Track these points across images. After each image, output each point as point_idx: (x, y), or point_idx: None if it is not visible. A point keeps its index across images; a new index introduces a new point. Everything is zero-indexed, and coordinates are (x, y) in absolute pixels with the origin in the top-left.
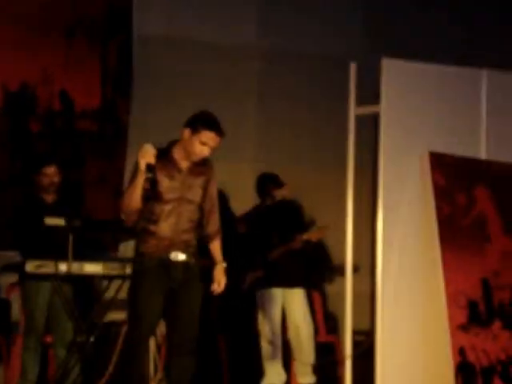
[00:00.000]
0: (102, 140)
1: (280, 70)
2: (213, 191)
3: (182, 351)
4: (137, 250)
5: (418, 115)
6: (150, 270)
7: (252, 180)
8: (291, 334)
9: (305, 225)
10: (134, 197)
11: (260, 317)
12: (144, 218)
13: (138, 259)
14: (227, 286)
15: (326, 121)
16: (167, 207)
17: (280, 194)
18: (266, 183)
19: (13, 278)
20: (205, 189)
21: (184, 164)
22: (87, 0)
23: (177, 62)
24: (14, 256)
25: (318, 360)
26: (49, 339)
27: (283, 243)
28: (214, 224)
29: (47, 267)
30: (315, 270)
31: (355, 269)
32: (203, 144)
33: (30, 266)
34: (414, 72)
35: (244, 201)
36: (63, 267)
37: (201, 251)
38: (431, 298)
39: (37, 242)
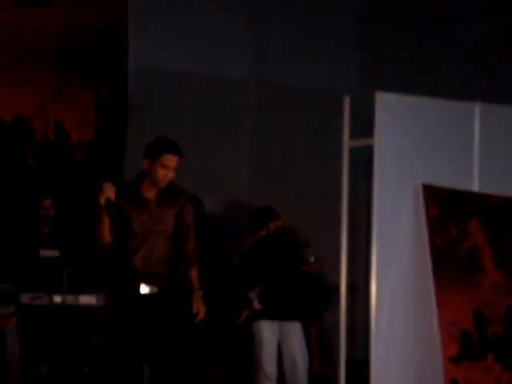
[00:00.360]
0: (96, 172)
1: (274, 104)
2: (187, 219)
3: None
4: (110, 282)
5: (412, 148)
6: (123, 304)
7: (246, 212)
8: (287, 367)
9: (301, 257)
10: (102, 234)
11: (256, 349)
12: (116, 251)
13: (112, 292)
14: (222, 319)
15: (321, 154)
16: (137, 240)
17: (274, 226)
18: (260, 217)
19: (5, 309)
20: (178, 218)
21: (152, 196)
22: (81, 33)
23: (172, 95)
24: (5, 288)
25: None
26: (44, 370)
27: (279, 275)
28: (189, 252)
29: (42, 299)
30: (312, 302)
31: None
32: (164, 168)
33: (25, 298)
34: (407, 105)
35: (239, 235)
36: (58, 299)
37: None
38: (425, 329)
39: (32, 274)
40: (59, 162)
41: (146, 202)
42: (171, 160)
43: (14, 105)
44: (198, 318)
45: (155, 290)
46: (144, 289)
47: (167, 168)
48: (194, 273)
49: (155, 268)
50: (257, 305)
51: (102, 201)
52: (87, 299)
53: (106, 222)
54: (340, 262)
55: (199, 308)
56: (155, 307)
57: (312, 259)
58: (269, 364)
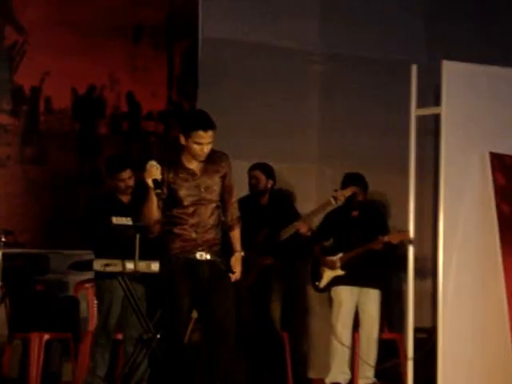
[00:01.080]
0: (168, 141)
1: (342, 72)
2: (229, 183)
3: (223, 350)
4: (164, 251)
5: (479, 116)
6: (176, 271)
7: (316, 181)
8: (363, 332)
9: (387, 227)
10: (151, 211)
11: (333, 313)
12: (169, 222)
13: (165, 261)
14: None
15: (388, 122)
16: (188, 210)
17: (343, 194)
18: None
19: (81, 276)
20: (222, 184)
21: (195, 166)
22: (152, 4)
23: (241, 64)
24: (81, 255)
25: (380, 360)
26: (119, 336)
27: (364, 243)
28: (232, 213)
29: (114, 266)
30: (390, 271)
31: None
32: (199, 144)
33: (98, 265)
34: (474, 74)
35: (308, 202)
36: (130, 266)
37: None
38: (492, 296)
39: (106, 241)
40: (131, 132)
41: (190, 172)
42: (204, 136)
43: (86, 75)
44: (233, 279)
45: (209, 256)
46: (200, 255)
47: (201, 144)
48: (236, 233)
49: (207, 236)
50: (338, 270)
51: (150, 181)
52: (159, 266)
53: (154, 201)
54: (407, 230)
55: (238, 269)
56: (210, 273)
57: (395, 231)
58: (344, 329)
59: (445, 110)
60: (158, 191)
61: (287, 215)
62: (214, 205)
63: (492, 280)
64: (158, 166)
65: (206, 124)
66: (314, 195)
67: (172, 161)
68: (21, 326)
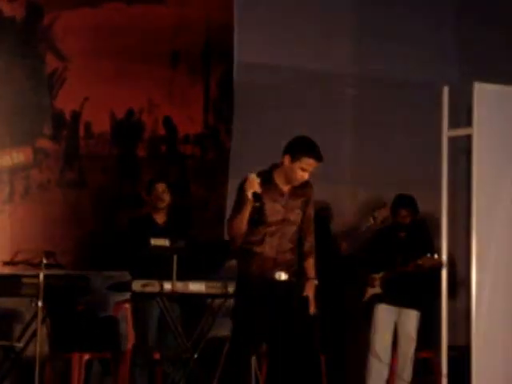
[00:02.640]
0: (204, 164)
1: (375, 94)
2: (310, 212)
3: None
4: (241, 270)
5: (510, 136)
6: (255, 290)
7: (349, 201)
8: (400, 351)
9: (431, 248)
10: (242, 223)
11: (372, 332)
12: (247, 240)
13: (244, 279)
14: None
15: (418, 143)
16: (271, 229)
17: (381, 214)
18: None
19: (120, 296)
20: (304, 210)
21: (285, 187)
22: (188, 30)
23: (276, 88)
24: (120, 276)
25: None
26: (157, 356)
27: (403, 265)
28: (309, 242)
29: (153, 286)
30: (430, 292)
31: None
32: (303, 170)
33: (137, 285)
34: (505, 95)
35: (342, 221)
36: (168, 286)
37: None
38: None
39: (144, 262)
40: (168, 155)
41: (281, 193)
42: (311, 164)
43: (125, 100)
44: (311, 309)
45: (287, 277)
46: (279, 275)
47: (305, 170)
48: (311, 261)
49: (287, 256)
50: (378, 289)
51: (250, 194)
52: (197, 286)
53: (247, 213)
54: (441, 250)
55: (311, 296)
56: (287, 294)
57: (428, 255)
58: (382, 346)
59: (476, 131)
60: (257, 204)
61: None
62: (294, 228)
63: None
64: (258, 179)
65: (318, 154)
66: (347, 215)
67: (263, 177)
68: (62, 346)
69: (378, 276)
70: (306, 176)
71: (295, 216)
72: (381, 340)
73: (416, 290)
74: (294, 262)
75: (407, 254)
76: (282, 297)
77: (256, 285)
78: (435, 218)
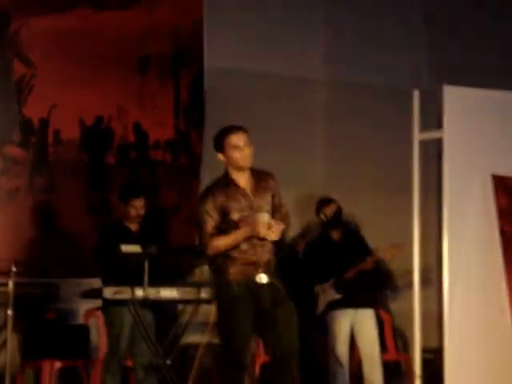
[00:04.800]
0: (175, 170)
1: (345, 100)
2: (279, 202)
3: (282, 366)
4: (221, 276)
5: (481, 140)
6: (238, 296)
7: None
8: (364, 354)
9: (368, 247)
10: (231, 246)
11: (333, 337)
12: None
13: (226, 286)
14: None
15: (390, 147)
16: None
17: (330, 209)
18: (318, 205)
19: (90, 304)
20: (272, 204)
21: (246, 186)
22: (158, 35)
23: (246, 93)
24: (92, 283)
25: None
26: (129, 363)
27: (354, 264)
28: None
29: (124, 293)
30: (380, 289)
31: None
32: (237, 148)
33: (108, 292)
34: (475, 98)
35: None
36: (140, 293)
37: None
38: (497, 317)
39: (116, 269)
40: (139, 162)
41: (243, 194)
42: (238, 138)
43: (94, 107)
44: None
45: (269, 279)
46: (260, 278)
47: (238, 147)
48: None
49: (265, 257)
50: (334, 295)
51: (263, 235)
52: (169, 292)
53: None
54: (412, 254)
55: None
56: (272, 295)
57: (388, 245)
58: (342, 351)
59: (447, 134)
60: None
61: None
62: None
63: (497, 301)
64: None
65: (235, 127)
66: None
67: (223, 182)
68: (32, 354)
69: (329, 284)
70: (245, 151)
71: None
72: (340, 345)
73: (368, 288)
74: (272, 262)
75: (345, 257)
76: (267, 300)
77: (240, 290)
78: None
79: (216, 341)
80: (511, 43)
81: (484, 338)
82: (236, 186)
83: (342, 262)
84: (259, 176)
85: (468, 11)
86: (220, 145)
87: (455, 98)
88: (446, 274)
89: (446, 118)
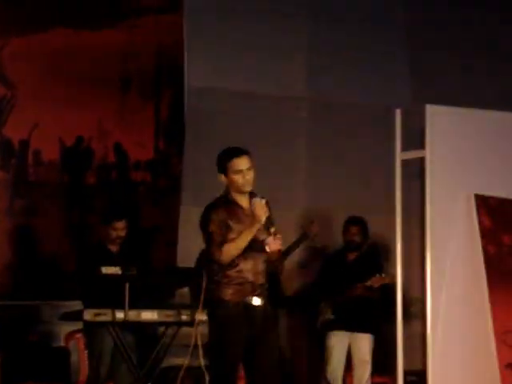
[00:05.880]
0: (156, 191)
1: (326, 118)
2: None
3: None
4: (217, 295)
5: (463, 159)
6: (233, 316)
7: (302, 224)
8: (355, 376)
9: (381, 268)
10: (241, 249)
11: (326, 357)
12: (222, 265)
13: (221, 305)
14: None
15: (373, 166)
16: (245, 252)
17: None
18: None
19: (71, 326)
20: (267, 227)
21: (248, 206)
22: (139, 55)
23: (227, 112)
24: (72, 305)
25: None
26: None
27: (352, 288)
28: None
29: (105, 315)
30: (381, 316)
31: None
32: (239, 173)
33: (89, 315)
34: (457, 117)
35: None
36: (120, 315)
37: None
38: (480, 337)
39: (97, 291)
40: (119, 182)
41: (244, 212)
42: (240, 162)
43: (74, 127)
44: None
45: (263, 302)
46: (255, 301)
47: (241, 172)
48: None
49: (261, 279)
50: (329, 315)
51: (263, 219)
52: (149, 315)
53: (248, 240)
54: (395, 274)
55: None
56: (263, 321)
57: (377, 275)
58: (334, 374)
59: (429, 154)
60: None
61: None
62: (263, 248)
63: (480, 321)
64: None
65: (239, 150)
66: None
67: (224, 201)
68: (13, 377)
69: (328, 302)
70: (247, 176)
71: (261, 234)
72: (333, 367)
73: (368, 313)
74: (266, 285)
75: (356, 277)
76: (258, 324)
77: (235, 311)
78: (388, 242)
79: (196, 363)
80: (495, 63)
81: (468, 359)
82: (238, 205)
83: (345, 283)
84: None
85: (451, 31)
86: (223, 167)
87: (437, 117)
88: (428, 295)
89: (429, 137)
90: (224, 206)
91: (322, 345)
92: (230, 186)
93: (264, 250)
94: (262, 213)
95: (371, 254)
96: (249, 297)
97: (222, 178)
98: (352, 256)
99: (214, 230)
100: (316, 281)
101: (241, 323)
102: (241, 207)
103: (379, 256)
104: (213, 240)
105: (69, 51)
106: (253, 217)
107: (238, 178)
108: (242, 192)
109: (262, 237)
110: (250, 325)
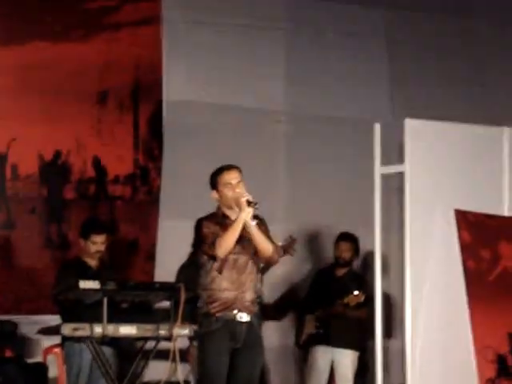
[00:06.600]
0: (134, 205)
1: (306, 132)
2: (263, 229)
3: None
4: (204, 310)
5: (442, 173)
6: (217, 330)
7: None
8: None
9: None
10: (233, 240)
11: (308, 371)
12: (207, 279)
13: (206, 319)
14: None
15: (352, 181)
16: (228, 264)
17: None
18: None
19: (50, 341)
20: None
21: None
22: (117, 69)
23: (206, 126)
24: (51, 320)
25: None
26: None
27: (329, 305)
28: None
29: (83, 330)
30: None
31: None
32: (228, 186)
33: (67, 329)
34: (436, 131)
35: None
36: (99, 330)
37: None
38: (460, 352)
39: (75, 306)
40: (98, 197)
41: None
42: (230, 176)
43: (52, 141)
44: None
45: (248, 318)
46: (240, 316)
47: (231, 185)
48: None
49: (246, 295)
50: (312, 329)
51: (244, 200)
52: (128, 329)
53: (238, 231)
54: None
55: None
56: (247, 335)
57: (355, 292)
58: None
59: (408, 168)
60: (256, 206)
61: None
62: (253, 259)
63: (460, 336)
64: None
65: (229, 165)
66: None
67: (216, 215)
68: None
69: (313, 316)
70: (237, 189)
71: (249, 247)
72: (315, 382)
73: (352, 330)
74: (254, 301)
75: (343, 293)
76: (242, 338)
77: (216, 325)
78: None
79: (175, 378)
80: (476, 77)
81: (448, 375)
82: (230, 219)
83: (330, 298)
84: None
85: (430, 45)
86: (214, 182)
87: (417, 132)
88: (408, 310)
89: (408, 152)
90: (215, 219)
91: (304, 359)
92: (221, 201)
93: (252, 266)
94: (240, 195)
95: (356, 275)
96: (233, 312)
97: (214, 194)
98: (341, 272)
99: (205, 233)
100: (307, 292)
101: (224, 338)
102: (232, 222)
103: (365, 275)
104: (205, 241)
105: (46, 64)
106: (239, 208)
107: (227, 192)
108: (236, 207)
109: (248, 249)
110: (233, 339)
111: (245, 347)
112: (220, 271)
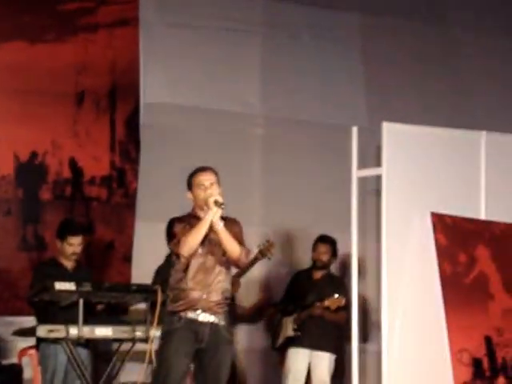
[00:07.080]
0: (110, 206)
1: (282, 135)
2: (235, 231)
3: None
4: (168, 309)
5: (419, 176)
6: (178, 329)
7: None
8: None
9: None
10: (198, 240)
11: (285, 374)
12: (174, 278)
13: (169, 317)
14: None
15: (329, 185)
16: (195, 264)
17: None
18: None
19: (25, 342)
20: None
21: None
22: (94, 70)
23: (183, 128)
24: (25, 321)
25: None
26: None
27: (307, 307)
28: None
29: (59, 331)
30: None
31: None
32: (202, 187)
33: (42, 331)
34: (414, 135)
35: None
36: (74, 331)
37: None
38: (436, 356)
39: (51, 307)
40: (74, 198)
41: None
42: (204, 178)
43: (28, 142)
44: None
45: (212, 319)
46: (203, 316)
47: (204, 186)
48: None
49: (216, 297)
50: (290, 331)
51: (211, 200)
52: (104, 331)
53: (205, 230)
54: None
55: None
56: (211, 337)
57: (335, 295)
58: None
59: (385, 171)
60: (223, 207)
61: None
62: (221, 261)
63: (436, 339)
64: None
65: (203, 168)
66: None
67: (189, 216)
68: None
69: (290, 318)
70: (210, 190)
71: (219, 249)
72: (293, 382)
73: (329, 332)
74: (222, 302)
75: (320, 296)
76: (205, 341)
77: (180, 325)
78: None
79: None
80: (450, 81)
81: (424, 378)
82: (199, 218)
83: (309, 301)
84: (225, 222)
85: (407, 48)
86: (189, 183)
87: (394, 135)
88: (384, 314)
89: (385, 155)
90: (188, 219)
91: (281, 361)
92: (195, 202)
93: (220, 267)
94: (209, 195)
95: (334, 278)
96: (196, 312)
97: (189, 195)
98: (318, 275)
99: (175, 232)
100: (284, 294)
101: (185, 337)
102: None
103: (343, 277)
104: (175, 238)
105: (23, 64)
106: (206, 206)
107: (199, 192)
108: (203, 208)
109: (215, 250)
110: (196, 339)
111: (210, 348)
112: (185, 270)
